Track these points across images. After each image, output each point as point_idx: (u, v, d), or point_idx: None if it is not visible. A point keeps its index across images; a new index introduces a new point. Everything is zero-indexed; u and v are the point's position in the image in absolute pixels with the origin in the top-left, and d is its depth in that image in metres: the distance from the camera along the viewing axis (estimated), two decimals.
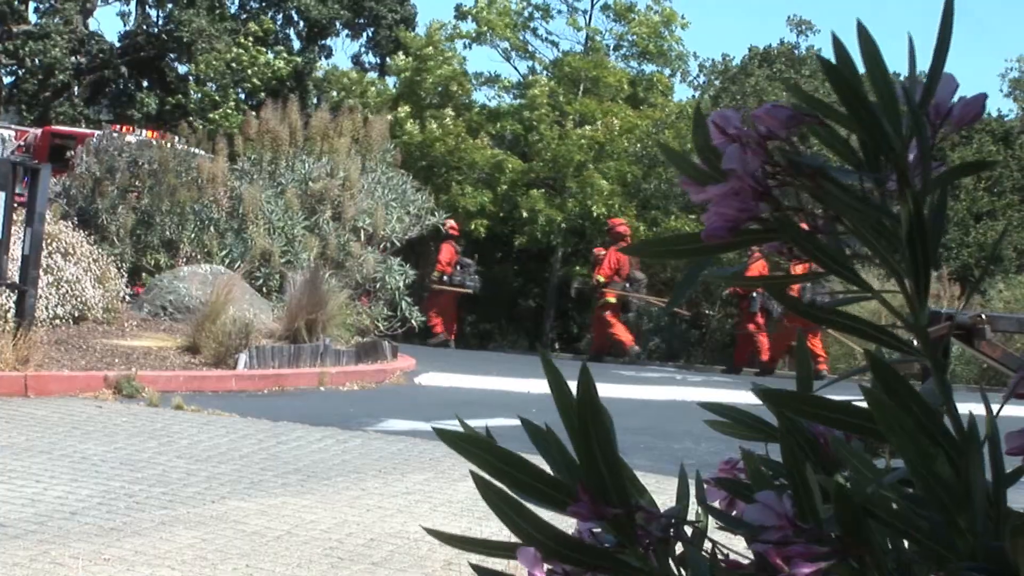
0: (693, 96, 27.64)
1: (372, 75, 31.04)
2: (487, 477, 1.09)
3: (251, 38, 32.83)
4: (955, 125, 1.09)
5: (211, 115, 30.22)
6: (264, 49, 32.81)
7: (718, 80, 27.36)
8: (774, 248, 1.09)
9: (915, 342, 1.13)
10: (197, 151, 17.72)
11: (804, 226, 1.09)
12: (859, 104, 1.04)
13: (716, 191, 1.03)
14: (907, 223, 1.03)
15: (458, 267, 19.74)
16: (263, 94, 28.55)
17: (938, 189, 1.08)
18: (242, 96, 32.01)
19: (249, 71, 31.64)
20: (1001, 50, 76.65)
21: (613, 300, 18.92)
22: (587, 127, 22.81)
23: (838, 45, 1.07)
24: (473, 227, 22.05)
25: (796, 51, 27.01)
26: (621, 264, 18.69)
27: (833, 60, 1.08)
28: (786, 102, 1.05)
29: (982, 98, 1.11)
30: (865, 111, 1.04)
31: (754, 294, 17.69)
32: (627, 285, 18.98)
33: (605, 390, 11.84)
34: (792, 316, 14.24)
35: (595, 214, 21.61)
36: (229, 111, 30.12)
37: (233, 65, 31.73)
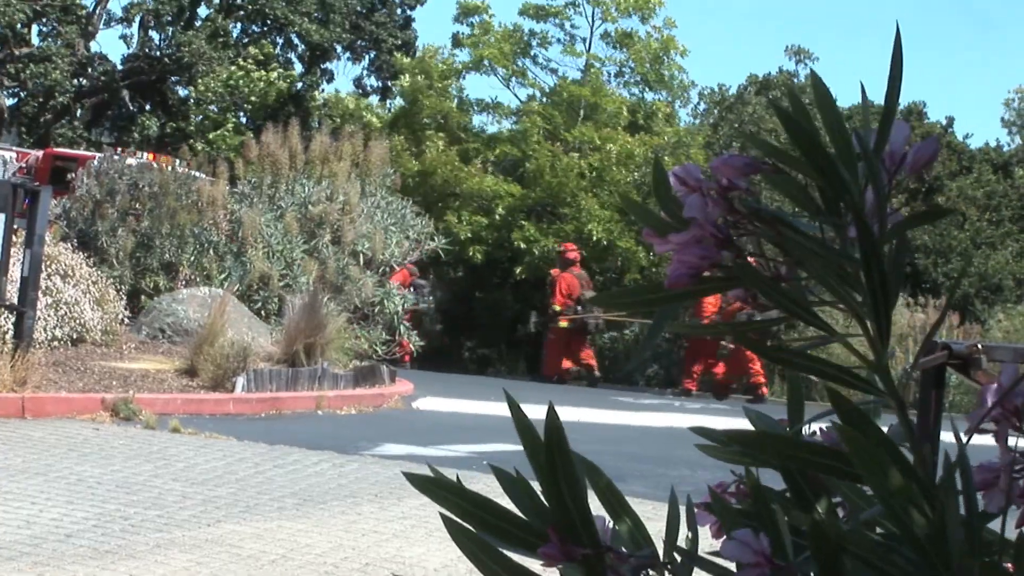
0: (693, 122, 27.69)
1: (374, 99, 31.05)
2: (457, 520, 1.11)
3: (251, 61, 32.89)
4: (909, 170, 1.12)
5: (210, 135, 30.25)
6: (264, 72, 32.87)
7: (716, 109, 27.45)
8: (738, 295, 1.11)
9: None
10: (197, 174, 17.76)
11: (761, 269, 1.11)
12: (816, 152, 1.06)
13: (678, 239, 1.05)
14: (866, 268, 1.05)
15: (411, 289, 19.75)
16: (262, 118, 28.58)
17: (896, 236, 1.10)
18: (243, 120, 32.04)
19: (247, 89, 31.66)
20: (1008, 52, 75.84)
21: (566, 325, 18.99)
22: (576, 154, 22.78)
23: (793, 95, 1.10)
24: (471, 252, 22.05)
25: (795, 79, 27.11)
26: (572, 288, 18.88)
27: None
28: (746, 151, 1.08)
29: (934, 142, 1.14)
30: (822, 159, 1.07)
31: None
32: (579, 308, 19.03)
33: (603, 417, 11.78)
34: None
35: (595, 237, 21.61)
36: (227, 133, 30.14)
37: (231, 83, 31.77)
